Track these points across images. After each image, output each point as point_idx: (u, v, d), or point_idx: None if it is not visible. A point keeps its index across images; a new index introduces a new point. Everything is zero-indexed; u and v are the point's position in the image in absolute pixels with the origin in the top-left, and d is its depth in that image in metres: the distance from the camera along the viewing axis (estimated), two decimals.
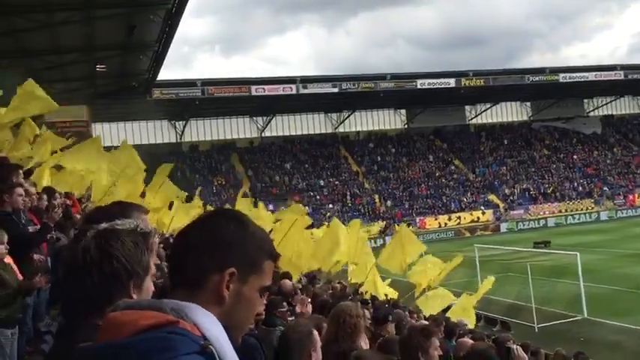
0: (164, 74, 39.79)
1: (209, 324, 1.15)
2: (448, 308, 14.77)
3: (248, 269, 1.32)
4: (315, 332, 2.97)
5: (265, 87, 48.99)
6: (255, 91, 48.45)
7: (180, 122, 56.75)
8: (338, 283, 13.54)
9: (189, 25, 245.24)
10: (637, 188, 57.05)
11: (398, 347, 3.96)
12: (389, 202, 54.09)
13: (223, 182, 54.08)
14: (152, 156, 28.33)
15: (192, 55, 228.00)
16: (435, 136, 64.36)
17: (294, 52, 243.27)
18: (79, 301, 1.65)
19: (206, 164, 56.56)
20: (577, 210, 54.37)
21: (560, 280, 22.71)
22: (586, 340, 16.26)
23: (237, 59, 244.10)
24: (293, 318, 5.71)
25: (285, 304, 5.70)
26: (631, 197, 55.81)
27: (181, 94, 46.74)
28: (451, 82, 53.27)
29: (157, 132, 57.04)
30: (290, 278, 9.24)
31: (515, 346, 4.44)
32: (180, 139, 58.12)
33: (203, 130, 59.13)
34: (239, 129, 60.13)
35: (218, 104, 51.03)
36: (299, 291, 8.29)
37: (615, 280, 23.51)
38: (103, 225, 1.68)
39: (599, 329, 17.55)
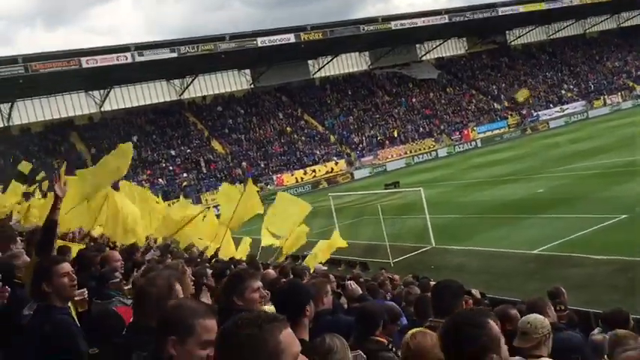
0: None
1: None
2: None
3: None
4: (178, 286, 2.82)
5: (97, 57, 45.78)
6: (87, 62, 45.15)
7: (6, 104, 51.67)
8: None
9: None
10: (470, 123, 62.00)
11: None
12: (244, 164, 53.82)
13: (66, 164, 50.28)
14: None
15: (11, 31, 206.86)
16: (281, 93, 64.72)
17: (123, 21, 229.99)
18: None
19: (42, 147, 52.19)
20: (420, 150, 57.96)
21: (410, 216, 24.09)
22: (436, 267, 17.48)
23: (62, 33, 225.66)
24: (130, 287, 5.46)
25: (117, 274, 5.41)
26: (465, 132, 60.56)
27: (1, 73, 42.32)
28: (291, 38, 53.50)
29: None
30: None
31: (347, 282, 4.88)
32: (8, 122, 53.02)
33: (33, 111, 54.31)
34: (74, 105, 56.02)
35: (46, 81, 46.95)
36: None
37: (456, 209, 25.49)
38: None
39: (446, 255, 18.93)
